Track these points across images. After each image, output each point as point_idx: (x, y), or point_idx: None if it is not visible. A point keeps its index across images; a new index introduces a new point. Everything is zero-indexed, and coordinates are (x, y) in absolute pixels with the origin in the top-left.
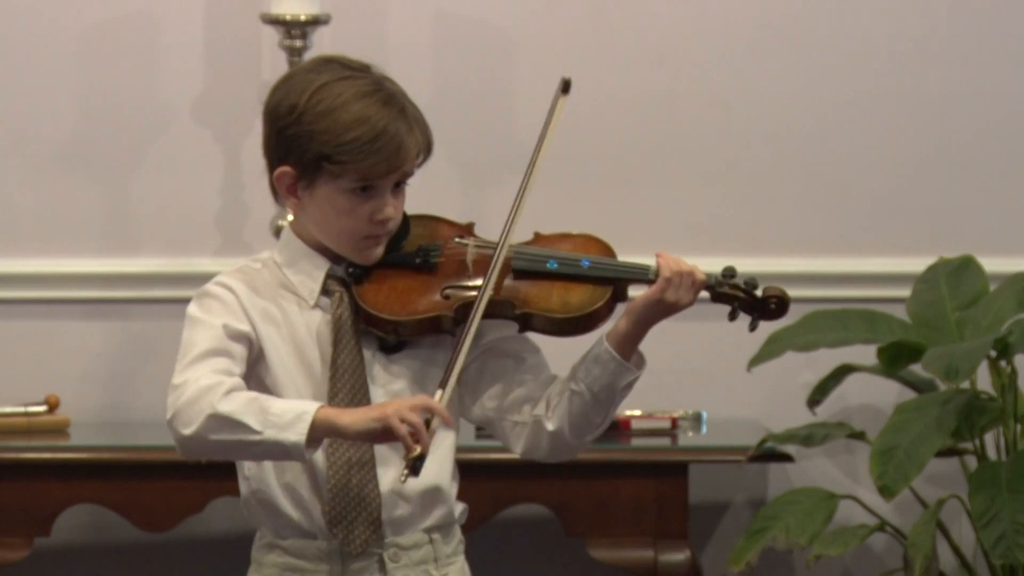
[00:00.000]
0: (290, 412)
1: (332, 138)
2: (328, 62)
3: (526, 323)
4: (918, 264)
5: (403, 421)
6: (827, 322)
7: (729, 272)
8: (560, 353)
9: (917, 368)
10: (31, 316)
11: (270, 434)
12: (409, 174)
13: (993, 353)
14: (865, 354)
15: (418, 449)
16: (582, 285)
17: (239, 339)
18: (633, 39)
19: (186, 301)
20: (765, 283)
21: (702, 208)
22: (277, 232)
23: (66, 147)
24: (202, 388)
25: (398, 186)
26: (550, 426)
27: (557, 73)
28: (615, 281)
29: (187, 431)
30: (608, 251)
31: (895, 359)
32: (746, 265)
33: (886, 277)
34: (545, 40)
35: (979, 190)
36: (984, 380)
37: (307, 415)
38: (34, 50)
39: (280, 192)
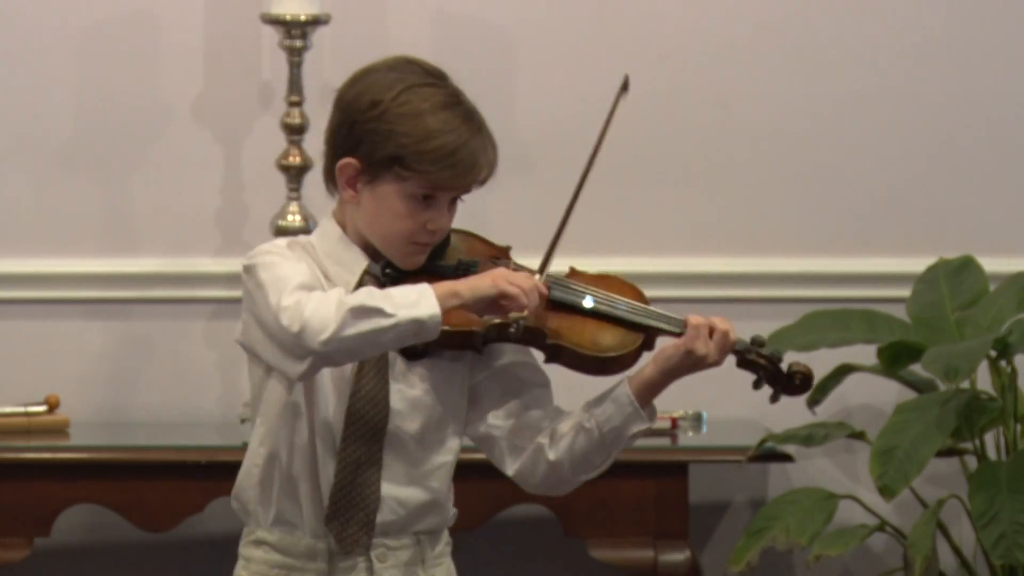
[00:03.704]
0: (412, 292)
1: (412, 142)
2: (408, 62)
3: (554, 354)
4: (918, 264)
5: (512, 282)
6: (827, 322)
7: (758, 340)
8: (566, 387)
9: (917, 368)
10: (31, 316)
11: (404, 314)
12: (469, 191)
13: (993, 353)
14: (865, 354)
15: (526, 311)
16: (615, 327)
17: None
18: (633, 39)
19: (186, 301)
20: (765, 284)
21: (702, 208)
22: (277, 232)
23: (66, 147)
24: (321, 295)
25: (454, 199)
26: (551, 456)
27: (557, 73)
28: (647, 329)
29: (324, 335)
30: (642, 299)
31: (895, 359)
32: (746, 265)
33: (886, 277)
34: (545, 40)
35: (979, 190)
36: (984, 380)
37: (428, 290)
38: (34, 50)
39: (338, 182)
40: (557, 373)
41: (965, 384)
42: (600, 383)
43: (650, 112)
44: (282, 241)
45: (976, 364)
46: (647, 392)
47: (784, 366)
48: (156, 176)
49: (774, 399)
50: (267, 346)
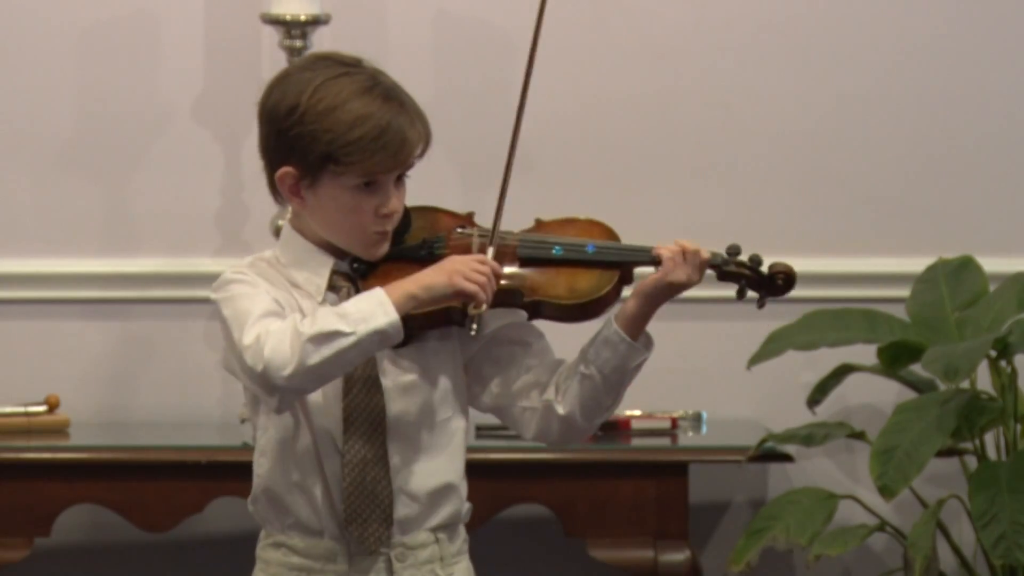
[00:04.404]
0: (366, 304)
1: (336, 137)
2: (321, 59)
3: (535, 311)
4: (918, 264)
5: (468, 279)
6: (827, 322)
7: (734, 250)
8: (566, 337)
9: (917, 368)
10: (31, 316)
11: (363, 329)
12: (411, 166)
13: (993, 353)
14: (865, 354)
15: (484, 306)
16: (588, 270)
17: (281, 307)
18: (633, 39)
19: (186, 301)
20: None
21: (702, 208)
22: (277, 232)
23: (66, 147)
24: (279, 329)
25: (399, 179)
26: (561, 410)
27: (557, 73)
28: (621, 265)
29: (287, 371)
30: (612, 235)
31: (895, 359)
32: None
33: (886, 277)
34: (545, 40)
35: (979, 190)
36: (984, 380)
37: (384, 298)
38: (34, 50)
39: (282, 192)
40: (548, 325)
41: (965, 384)
42: (590, 325)
43: (650, 112)
44: (246, 261)
45: (976, 364)
46: (636, 324)
47: (764, 269)
48: (156, 176)
49: (760, 304)
50: (245, 379)
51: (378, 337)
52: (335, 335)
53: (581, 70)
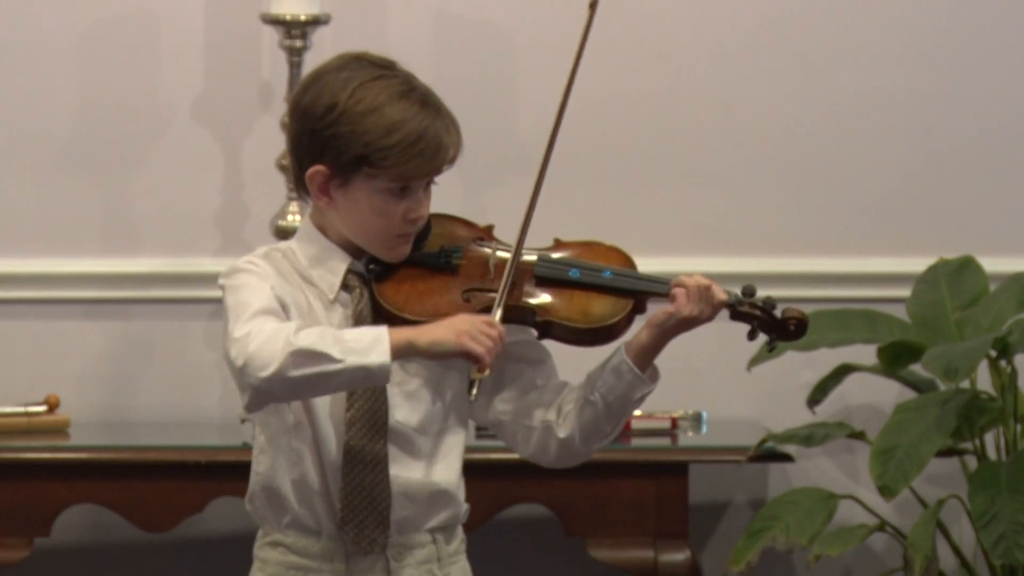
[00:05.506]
0: (366, 337)
1: (373, 140)
2: (356, 59)
3: (546, 331)
4: (918, 264)
5: (476, 341)
6: (827, 322)
7: (749, 291)
8: (571, 360)
9: (917, 368)
10: (31, 316)
11: (352, 360)
12: (440, 173)
13: (993, 353)
14: (865, 354)
15: (487, 371)
16: (603, 296)
17: (282, 307)
18: (633, 39)
19: (186, 301)
20: (765, 284)
21: (702, 208)
22: (277, 232)
23: (66, 147)
24: (272, 330)
25: (428, 184)
26: (561, 433)
27: (557, 73)
28: (636, 294)
29: (265, 372)
30: (629, 263)
31: (895, 359)
32: (746, 265)
33: (886, 277)
34: (545, 40)
35: (979, 190)
36: (984, 380)
37: (383, 336)
38: (34, 50)
39: (311, 191)
40: (555, 347)
41: (965, 384)
42: (598, 351)
43: (650, 112)
44: (261, 250)
45: (976, 364)
46: (645, 356)
47: (778, 313)
48: (156, 176)
49: (770, 347)
50: (229, 369)
51: (363, 373)
52: (323, 357)
53: (581, 70)
